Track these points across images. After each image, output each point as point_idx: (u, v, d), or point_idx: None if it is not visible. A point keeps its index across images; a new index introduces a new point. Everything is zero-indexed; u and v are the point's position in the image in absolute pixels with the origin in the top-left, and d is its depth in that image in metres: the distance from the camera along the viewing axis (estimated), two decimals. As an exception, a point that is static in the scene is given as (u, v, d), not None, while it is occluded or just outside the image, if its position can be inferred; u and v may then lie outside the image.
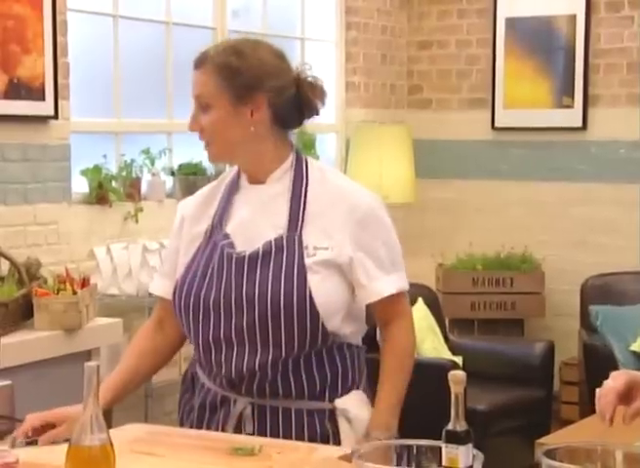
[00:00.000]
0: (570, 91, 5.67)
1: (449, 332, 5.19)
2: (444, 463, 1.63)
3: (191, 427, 2.22)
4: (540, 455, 1.67)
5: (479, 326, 5.61)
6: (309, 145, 5.39)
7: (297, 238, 2.10)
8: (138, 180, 4.54)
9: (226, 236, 2.16)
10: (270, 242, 2.11)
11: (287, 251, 2.10)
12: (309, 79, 2.18)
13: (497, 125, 5.89)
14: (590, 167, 5.70)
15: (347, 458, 1.85)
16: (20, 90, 3.95)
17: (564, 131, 5.72)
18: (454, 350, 4.93)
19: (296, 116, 2.19)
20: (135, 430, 2.13)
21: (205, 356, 2.17)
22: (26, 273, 3.66)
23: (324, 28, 5.73)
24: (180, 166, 4.77)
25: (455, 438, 1.62)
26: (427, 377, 4.36)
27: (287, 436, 2.11)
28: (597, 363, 4.90)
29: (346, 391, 2.18)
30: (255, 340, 2.10)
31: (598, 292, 5.27)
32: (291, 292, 2.07)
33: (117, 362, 4.22)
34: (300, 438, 2.11)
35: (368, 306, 2.19)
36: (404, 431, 2.13)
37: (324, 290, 2.09)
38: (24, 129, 4.04)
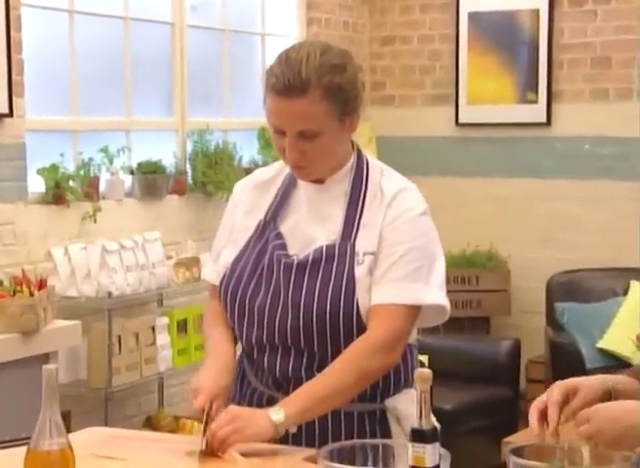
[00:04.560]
0: (534, 86, 5.66)
1: (414, 331, 5.14)
2: (410, 462, 1.60)
3: None
4: (507, 453, 1.64)
5: (444, 324, 5.52)
6: (271, 144, 5.32)
7: (349, 247, 2.03)
8: (96, 179, 4.46)
9: (279, 236, 2.08)
10: (322, 248, 2.04)
11: (338, 260, 2.02)
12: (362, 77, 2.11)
13: (460, 121, 5.85)
14: (555, 163, 5.68)
15: (312, 459, 1.80)
16: (-28, 87, 3.86)
17: (528, 126, 5.70)
18: (419, 349, 4.87)
19: None
20: (95, 434, 2.10)
21: (249, 355, 2.12)
22: (-19, 275, 3.57)
23: (285, 24, 5.66)
24: (140, 164, 4.69)
25: (421, 436, 1.59)
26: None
27: (336, 438, 1.98)
28: (563, 360, 4.89)
29: (398, 390, 2.10)
30: (299, 345, 2.03)
31: (564, 289, 5.25)
32: (338, 301, 2.00)
33: (76, 365, 4.15)
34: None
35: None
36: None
37: (369, 298, 2.02)
38: (-22, 127, 3.95)
